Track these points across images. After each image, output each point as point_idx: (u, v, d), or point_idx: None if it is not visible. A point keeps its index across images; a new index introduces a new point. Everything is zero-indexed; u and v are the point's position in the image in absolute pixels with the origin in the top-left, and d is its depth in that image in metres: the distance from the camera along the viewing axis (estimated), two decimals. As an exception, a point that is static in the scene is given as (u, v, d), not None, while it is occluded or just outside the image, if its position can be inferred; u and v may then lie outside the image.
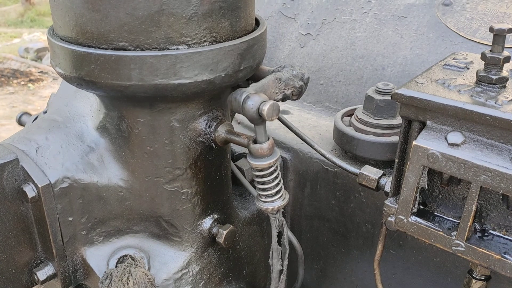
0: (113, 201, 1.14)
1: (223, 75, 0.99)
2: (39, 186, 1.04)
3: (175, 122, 1.06)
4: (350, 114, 1.41)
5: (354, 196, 1.32)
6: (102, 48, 0.94)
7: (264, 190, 1.08)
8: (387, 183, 1.09)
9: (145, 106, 1.04)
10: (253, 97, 0.97)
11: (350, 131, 1.29)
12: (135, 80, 0.94)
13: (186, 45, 0.95)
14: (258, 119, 0.98)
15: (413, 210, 0.94)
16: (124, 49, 0.93)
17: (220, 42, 0.98)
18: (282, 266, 1.17)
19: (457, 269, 1.18)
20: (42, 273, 1.14)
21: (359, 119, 1.32)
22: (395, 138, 1.26)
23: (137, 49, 0.93)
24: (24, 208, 1.10)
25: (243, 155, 1.43)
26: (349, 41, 1.57)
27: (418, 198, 0.94)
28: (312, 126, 1.52)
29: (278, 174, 1.08)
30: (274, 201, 1.09)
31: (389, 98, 1.28)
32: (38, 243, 1.15)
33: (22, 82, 9.48)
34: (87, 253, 1.16)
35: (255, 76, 1.18)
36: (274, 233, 1.13)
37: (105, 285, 1.11)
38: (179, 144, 1.09)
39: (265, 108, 0.96)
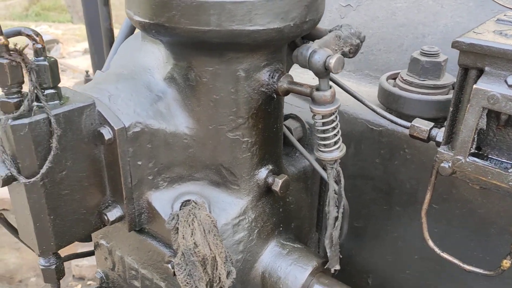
0: (178, 148, 1.22)
1: (292, 25, 1.06)
2: (115, 128, 1.11)
3: (241, 71, 1.13)
4: (393, 77, 1.48)
5: (399, 153, 1.39)
6: (183, -5, 1.01)
7: (324, 139, 1.15)
8: (438, 133, 1.16)
9: (215, 55, 1.11)
10: (319, 51, 1.04)
11: (397, 90, 1.36)
12: (213, 25, 1.01)
13: (261, -6, 1.02)
14: (324, 72, 1.06)
15: (471, 151, 1.01)
16: (205, -4, 1.00)
17: (290, -7, 1.05)
18: (338, 213, 1.23)
19: (501, 219, 1.25)
20: (112, 215, 1.21)
21: (404, 80, 1.39)
22: (440, 97, 1.33)
23: (216, -4, 1.00)
24: (97, 151, 1.17)
25: (290, 116, 1.50)
26: (390, 11, 1.64)
27: (475, 140, 1.01)
28: (354, 92, 1.58)
29: (337, 125, 1.15)
30: (332, 151, 1.16)
31: (435, 60, 1.35)
32: (107, 186, 1.22)
33: (32, 74, 9.56)
34: (153, 197, 1.23)
35: (311, 35, 1.25)
36: (331, 182, 1.20)
37: (172, 225, 1.18)
38: (243, 93, 1.16)
39: (332, 61, 1.03)
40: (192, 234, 1.16)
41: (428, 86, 1.34)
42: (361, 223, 1.56)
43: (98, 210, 1.22)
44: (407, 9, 1.61)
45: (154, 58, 1.25)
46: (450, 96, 1.33)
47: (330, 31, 1.21)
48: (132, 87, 1.20)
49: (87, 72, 6.44)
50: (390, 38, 1.61)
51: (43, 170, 1.06)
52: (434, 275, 1.44)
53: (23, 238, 1.19)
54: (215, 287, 1.19)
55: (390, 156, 1.41)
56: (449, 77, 1.38)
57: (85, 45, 11.20)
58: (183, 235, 1.16)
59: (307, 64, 1.06)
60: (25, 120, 1.01)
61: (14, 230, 1.37)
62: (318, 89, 1.11)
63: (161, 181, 1.23)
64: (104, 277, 1.51)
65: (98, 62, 6.06)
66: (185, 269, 1.16)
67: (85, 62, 9.73)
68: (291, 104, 1.53)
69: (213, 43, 1.04)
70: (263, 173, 1.28)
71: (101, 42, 6.38)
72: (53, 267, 1.22)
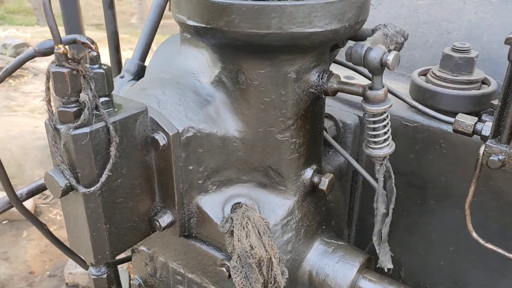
0: (228, 152, 1.22)
1: (347, 26, 1.07)
2: (170, 134, 1.11)
3: (292, 73, 1.14)
4: (423, 74, 1.50)
5: (434, 148, 1.42)
6: (243, -1, 1.01)
7: (374, 136, 1.17)
8: (484, 127, 1.19)
9: (267, 58, 1.11)
10: (376, 49, 1.06)
11: (432, 86, 1.39)
12: (274, 28, 1.01)
13: (320, -5, 1.03)
14: (380, 69, 1.07)
15: (527, 143, 1.05)
16: (265, -1, 1.01)
17: (347, -5, 1.07)
18: (387, 210, 1.25)
19: (539, 208, 1.30)
20: (163, 221, 1.20)
21: (438, 76, 1.42)
22: (476, 92, 1.36)
23: (277, -1, 1.01)
24: (148, 158, 1.16)
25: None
26: (412, 8, 1.67)
27: (531, 132, 1.04)
28: (380, 89, 1.60)
29: (388, 123, 1.17)
30: (382, 148, 1.18)
31: (467, 56, 1.38)
32: (156, 193, 1.21)
33: (3, 79, 9.35)
34: (202, 201, 1.23)
35: (356, 35, 1.27)
36: (380, 178, 1.22)
37: (226, 228, 1.18)
38: (293, 95, 1.17)
39: (390, 58, 1.05)
40: (247, 236, 1.16)
41: (462, 82, 1.38)
42: (393, 217, 1.59)
43: (148, 217, 1.21)
44: (429, 6, 1.64)
45: (197, 62, 1.25)
46: (484, 90, 1.37)
47: (372, 30, 1.23)
48: (179, 91, 1.20)
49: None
50: (413, 35, 1.64)
51: (102, 179, 1.05)
52: (469, 265, 1.48)
53: (75, 249, 1.17)
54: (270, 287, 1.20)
55: (425, 151, 1.44)
56: (480, 72, 1.41)
57: (57, 47, 11.00)
58: (239, 238, 1.16)
59: (362, 62, 1.08)
60: (86, 129, 1.00)
61: (57, 242, 1.35)
62: (371, 88, 1.12)
63: (210, 185, 1.23)
64: (142, 284, 1.50)
65: (79, 65, 5.95)
66: (241, 272, 1.17)
67: (58, 65, 9.55)
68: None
69: (272, 46, 1.05)
70: (308, 173, 1.29)
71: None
72: (105, 276, 1.20)
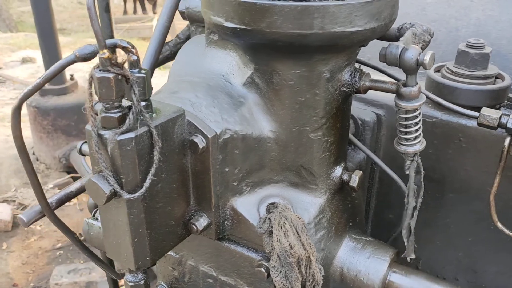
0: (262, 152, 1.22)
1: (383, 24, 1.09)
2: (209, 137, 1.10)
3: (327, 72, 1.15)
4: (437, 70, 1.54)
5: (453, 142, 1.45)
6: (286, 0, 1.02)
7: (406, 133, 1.20)
8: (509, 120, 1.23)
9: (303, 58, 1.12)
10: (411, 49, 1.08)
11: (451, 82, 1.42)
12: (316, 28, 1.02)
13: (361, -5, 1.05)
14: (415, 68, 1.10)
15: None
16: None
17: (384, -5, 1.09)
18: (416, 203, 1.28)
19: (559, 196, 1.35)
20: (200, 224, 1.19)
21: (454, 72, 1.45)
22: (493, 86, 1.40)
23: (319, -1, 1.02)
24: (185, 161, 1.15)
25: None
26: (419, 7, 1.71)
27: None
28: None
29: (420, 120, 1.20)
30: (414, 145, 1.21)
31: (482, 51, 1.42)
32: (191, 196, 1.20)
33: (-30, 90, 9.09)
34: (237, 202, 1.22)
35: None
36: (411, 174, 1.25)
37: (264, 229, 1.18)
38: (326, 94, 1.18)
39: (427, 58, 1.07)
40: (285, 236, 1.17)
41: (479, 77, 1.42)
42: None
43: (183, 221, 1.20)
44: (436, 4, 1.68)
45: (226, 64, 1.24)
46: (501, 85, 1.41)
47: (398, 29, 1.25)
48: (211, 93, 1.19)
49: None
50: (422, 33, 1.67)
51: (146, 184, 1.03)
52: (488, 255, 1.53)
53: (113, 256, 1.16)
54: (309, 286, 1.20)
55: (443, 146, 1.47)
56: (494, 67, 1.46)
57: (22, 54, 10.71)
58: (277, 238, 1.16)
59: (397, 62, 1.10)
60: (131, 134, 0.99)
61: (88, 251, 1.32)
62: (404, 85, 1.14)
63: (244, 186, 1.23)
64: (168, 289, 1.49)
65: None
66: (281, 271, 1.17)
67: (25, 72, 9.34)
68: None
69: (312, 46, 1.06)
70: (338, 170, 1.31)
71: (55, 51, 6.13)
72: (142, 282, 1.18)
